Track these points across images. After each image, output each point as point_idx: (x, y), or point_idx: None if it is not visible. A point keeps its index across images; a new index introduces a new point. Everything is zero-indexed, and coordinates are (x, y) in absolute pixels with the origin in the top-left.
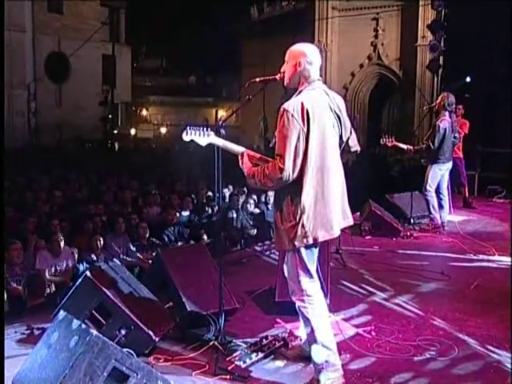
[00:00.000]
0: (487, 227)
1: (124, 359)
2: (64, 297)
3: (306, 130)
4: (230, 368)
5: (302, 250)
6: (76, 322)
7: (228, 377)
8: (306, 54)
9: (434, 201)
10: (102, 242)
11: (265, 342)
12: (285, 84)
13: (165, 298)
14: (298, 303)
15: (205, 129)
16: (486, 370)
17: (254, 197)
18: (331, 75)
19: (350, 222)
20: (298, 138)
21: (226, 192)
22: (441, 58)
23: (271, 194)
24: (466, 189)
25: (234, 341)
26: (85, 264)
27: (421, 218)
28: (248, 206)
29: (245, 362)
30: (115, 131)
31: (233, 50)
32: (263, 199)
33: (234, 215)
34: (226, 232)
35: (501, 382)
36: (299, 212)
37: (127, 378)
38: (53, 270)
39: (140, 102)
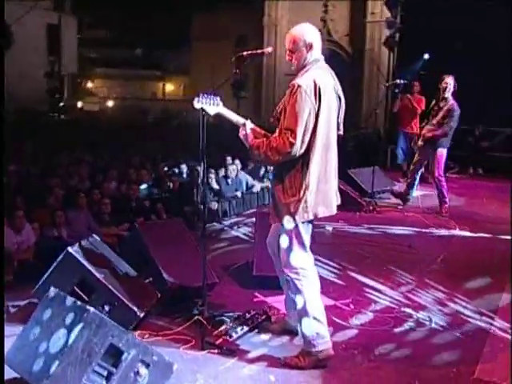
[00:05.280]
0: None
1: (121, 336)
2: (32, 273)
3: (316, 107)
4: (217, 342)
5: (300, 225)
6: (70, 299)
7: (216, 351)
8: (307, 35)
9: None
10: (63, 218)
11: (248, 316)
12: (293, 68)
13: (144, 273)
14: (291, 275)
15: (213, 97)
16: (463, 337)
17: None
18: (282, 50)
19: (339, 200)
20: (309, 114)
21: (184, 168)
22: (397, 34)
23: (232, 168)
24: None
25: (218, 315)
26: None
27: (381, 193)
28: (209, 181)
29: (231, 337)
30: (61, 104)
31: (182, 23)
32: (223, 173)
33: (195, 190)
34: (193, 207)
35: (479, 348)
36: (304, 187)
37: (122, 354)
38: (15, 246)
39: (85, 74)
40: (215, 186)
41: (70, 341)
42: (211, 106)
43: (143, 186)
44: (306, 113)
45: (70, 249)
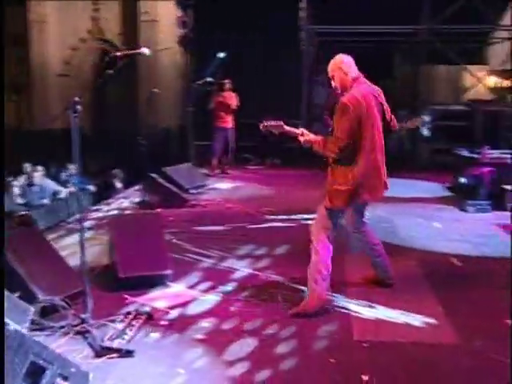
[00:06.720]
0: (254, 191)
1: (41, 351)
2: None
3: (359, 116)
4: (113, 346)
5: None
6: None
7: (115, 355)
8: (343, 61)
9: None
10: None
11: (130, 317)
12: (339, 91)
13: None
14: (359, 235)
15: (277, 122)
16: (331, 310)
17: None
18: (52, 49)
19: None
20: (352, 124)
21: None
22: (191, 34)
23: (36, 175)
24: (229, 157)
25: (100, 321)
26: None
27: (197, 188)
28: (13, 190)
29: (123, 339)
30: None
31: None
32: (24, 181)
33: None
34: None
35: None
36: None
37: (44, 371)
38: None
39: None
40: (19, 194)
41: None
42: (275, 128)
43: None
44: (348, 124)
45: None
